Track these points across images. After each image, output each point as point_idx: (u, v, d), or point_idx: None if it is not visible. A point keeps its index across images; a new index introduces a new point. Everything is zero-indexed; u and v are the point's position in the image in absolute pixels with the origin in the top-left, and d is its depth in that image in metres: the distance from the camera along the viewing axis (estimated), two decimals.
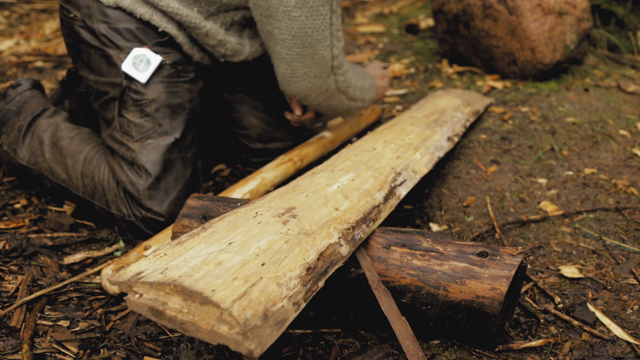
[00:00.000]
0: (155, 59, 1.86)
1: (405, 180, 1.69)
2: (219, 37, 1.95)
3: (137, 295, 1.14)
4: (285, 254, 1.23)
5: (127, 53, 1.87)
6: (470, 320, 1.39)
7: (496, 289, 1.36)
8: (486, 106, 2.55)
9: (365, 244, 1.48)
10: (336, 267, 1.31)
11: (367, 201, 1.51)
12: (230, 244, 1.23)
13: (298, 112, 2.18)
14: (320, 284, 1.24)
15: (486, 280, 1.37)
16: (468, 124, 2.28)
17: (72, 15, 1.94)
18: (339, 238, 1.36)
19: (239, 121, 2.25)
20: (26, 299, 1.59)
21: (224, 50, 1.99)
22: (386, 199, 1.59)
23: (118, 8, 1.88)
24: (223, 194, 1.89)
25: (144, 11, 1.87)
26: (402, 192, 1.67)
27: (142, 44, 1.88)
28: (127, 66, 1.85)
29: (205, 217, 1.60)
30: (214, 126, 2.31)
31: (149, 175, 1.84)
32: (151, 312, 1.12)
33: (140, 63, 1.85)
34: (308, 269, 1.23)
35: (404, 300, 1.43)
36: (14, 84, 2.20)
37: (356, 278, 1.46)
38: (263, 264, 1.18)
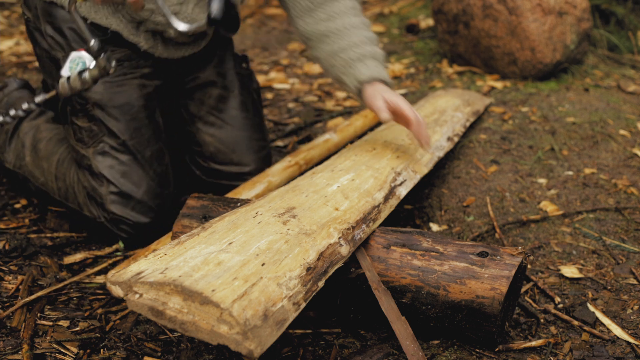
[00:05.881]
0: (92, 61, 1.72)
1: (405, 180, 1.70)
2: (149, 6, 1.76)
3: (137, 295, 1.13)
4: (285, 254, 1.23)
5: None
6: (470, 320, 1.39)
7: (496, 289, 1.36)
8: (486, 106, 2.55)
9: (365, 244, 1.48)
10: (336, 267, 1.31)
11: (367, 201, 1.51)
12: (230, 244, 1.23)
13: (385, 114, 1.73)
14: (320, 283, 1.24)
15: (486, 280, 1.37)
16: (468, 124, 2.29)
17: (26, 16, 1.86)
18: (339, 238, 1.36)
19: (192, 136, 2.05)
20: (26, 299, 1.59)
21: (161, 18, 1.78)
22: (386, 198, 1.58)
23: (61, 6, 1.78)
24: (229, 196, 1.87)
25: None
26: (402, 192, 1.66)
27: (85, 43, 1.75)
28: (65, 72, 1.73)
29: (205, 217, 1.59)
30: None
31: (108, 181, 1.78)
32: (151, 312, 1.12)
33: (77, 67, 1.73)
34: (308, 269, 1.23)
35: (404, 300, 1.42)
36: (1, 86, 2.16)
37: (356, 278, 1.46)
38: (263, 264, 1.18)
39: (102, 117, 1.79)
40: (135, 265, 1.18)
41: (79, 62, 1.72)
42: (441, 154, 1.96)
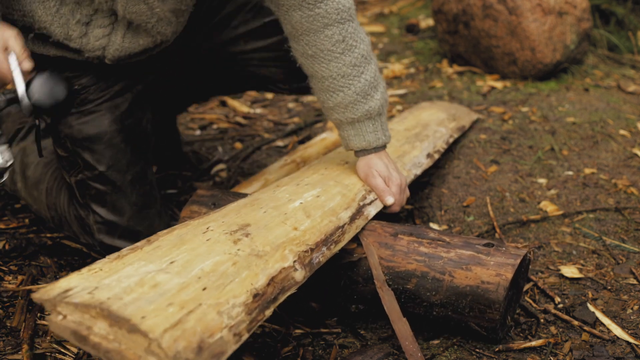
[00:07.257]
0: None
1: (376, 199, 1.60)
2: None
3: (61, 317, 1.02)
4: (231, 277, 1.12)
5: None
6: (474, 307, 1.39)
7: (501, 275, 1.38)
8: (473, 121, 2.45)
9: (373, 231, 1.50)
10: (288, 293, 1.19)
11: (330, 221, 1.41)
12: (172, 262, 1.11)
13: (390, 198, 1.61)
14: (268, 312, 1.13)
15: (492, 267, 1.39)
16: (451, 140, 2.17)
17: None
18: (294, 262, 1.24)
19: (255, 71, 1.94)
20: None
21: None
22: (352, 218, 1.48)
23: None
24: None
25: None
26: (372, 211, 1.56)
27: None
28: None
29: (215, 204, 1.59)
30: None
31: (93, 210, 1.74)
32: (74, 337, 1.01)
33: None
34: (255, 296, 1.12)
35: (408, 287, 1.44)
36: None
37: (358, 261, 1.48)
38: (204, 289, 1.07)
39: (76, 150, 1.71)
40: (64, 280, 1.06)
41: None
42: (418, 171, 1.85)
